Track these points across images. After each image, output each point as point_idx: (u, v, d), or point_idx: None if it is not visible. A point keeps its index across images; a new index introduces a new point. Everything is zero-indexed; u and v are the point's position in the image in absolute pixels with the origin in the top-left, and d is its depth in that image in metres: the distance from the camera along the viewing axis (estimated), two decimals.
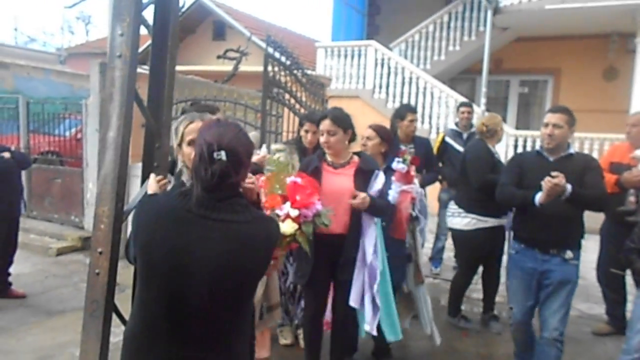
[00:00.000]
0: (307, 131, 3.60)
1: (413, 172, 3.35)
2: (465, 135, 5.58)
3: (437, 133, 7.86)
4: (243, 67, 10.16)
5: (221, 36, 14.87)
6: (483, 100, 9.75)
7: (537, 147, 3.24)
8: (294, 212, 1.92)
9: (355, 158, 3.00)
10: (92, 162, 6.65)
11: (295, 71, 4.92)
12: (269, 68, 4.35)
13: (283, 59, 4.59)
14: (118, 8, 2.20)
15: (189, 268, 1.50)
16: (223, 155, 1.47)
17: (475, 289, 5.32)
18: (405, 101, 10.30)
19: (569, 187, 2.82)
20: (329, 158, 3.00)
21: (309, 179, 2.57)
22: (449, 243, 4.83)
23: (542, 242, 3.06)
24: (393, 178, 3.24)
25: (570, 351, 3.98)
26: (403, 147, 3.63)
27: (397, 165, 3.24)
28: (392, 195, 3.18)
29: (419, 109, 10.13)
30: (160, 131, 2.44)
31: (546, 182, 2.81)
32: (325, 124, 2.90)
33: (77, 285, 5.31)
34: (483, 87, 9.83)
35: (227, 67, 10.71)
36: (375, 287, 2.92)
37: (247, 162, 1.56)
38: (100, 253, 2.20)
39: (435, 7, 11.69)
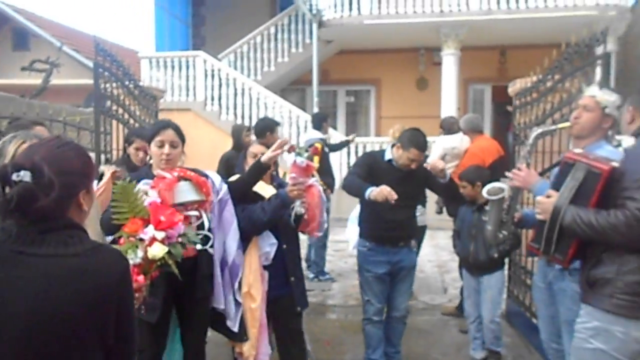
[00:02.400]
0: (137, 149, 3.38)
1: (314, 164, 3.07)
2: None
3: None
4: (54, 80, 9.05)
5: (24, 46, 13.10)
6: (315, 110, 10.06)
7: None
8: (160, 235, 1.75)
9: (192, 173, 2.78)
10: None
11: (127, 82, 4.42)
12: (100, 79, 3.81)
13: (114, 69, 4.08)
14: None
15: None
16: (24, 175, 1.20)
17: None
18: (239, 112, 10.18)
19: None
20: (155, 173, 2.61)
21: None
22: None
23: (393, 239, 3.42)
24: (289, 177, 2.93)
25: (423, 343, 4.21)
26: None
27: (297, 158, 2.90)
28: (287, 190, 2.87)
29: (254, 120, 10.05)
30: None
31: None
32: (169, 135, 2.58)
33: None
34: (315, 96, 10.18)
35: (34, 80, 9.44)
36: (237, 284, 2.82)
37: (65, 180, 1.26)
38: None
39: (261, 18, 11.79)
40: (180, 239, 1.83)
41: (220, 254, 2.76)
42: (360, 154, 9.83)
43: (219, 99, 10.32)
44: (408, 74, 12.46)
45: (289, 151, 2.96)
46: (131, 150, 3.49)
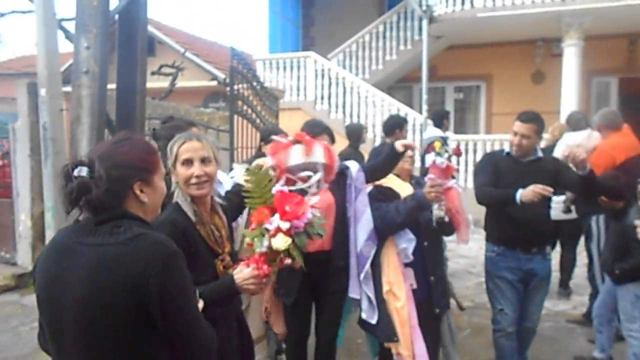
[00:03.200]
0: None
1: (454, 165, 2.89)
2: None
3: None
4: (178, 83, 9.78)
5: (151, 52, 14.27)
6: (424, 107, 9.92)
7: (477, 150, 3.34)
8: (285, 225, 1.72)
9: None
10: (24, 191, 6.06)
11: (254, 84, 4.70)
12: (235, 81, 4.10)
13: (245, 71, 4.36)
14: (82, 18, 1.93)
15: (60, 300, 1.32)
16: (81, 171, 1.32)
17: None
18: (348, 111, 10.33)
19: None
20: None
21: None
22: None
23: (524, 242, 3.11)
24: (427, 177, 2.78)
25: (548, 350, 4.03)
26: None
27: (437, 159, 2.76)
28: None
29: (362, 119, 10.19)
30: None
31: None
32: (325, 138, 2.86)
33: (16, 330, 4.76)
34: (424, 94, 10.01)
35: (161, 83, 10.28)
36: (362, 275, 2.76)
37: (116, 173, 1.34)
38: None
39: (370, 17, 11.84)
40: (306, 228, 1.78)
41: (355, 243, 2.80)
42: (470, 152, 9.58)
43: (329, 97, 10.55)
44: (523, 68, 11.84)
45: (428, 151, 2.84)
46: (268, 148, 3.59)
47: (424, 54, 10.04)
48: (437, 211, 2.77)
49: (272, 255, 1.72)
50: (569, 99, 9.67)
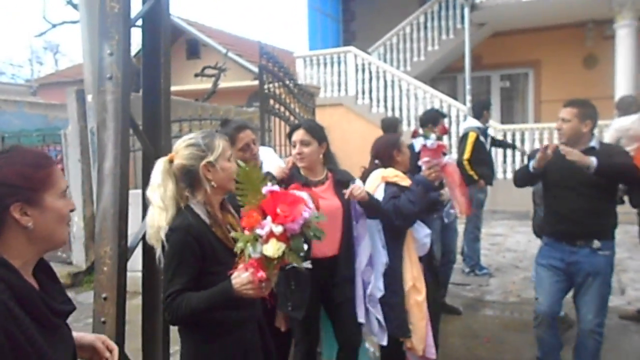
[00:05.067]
0: None
1: (443, 142, 3.08)
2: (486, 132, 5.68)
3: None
4: (221, 84, 9.97)
5: (195, 55, 14.65)
6: (468, 98, 9.67)
7: (525, 140, 3.23)
8: (278, 229, 1.58)
9: (330, 173, 2.81)
10: (76, 194, 6.35)
11: (287, 82, 4.72)
12: (264, 79, 4.12)
13: (275, 69, 4.39)
14: (105, 25, 1.99)
15: None
16: None
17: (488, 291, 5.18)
18: (389, 105, 10.22)
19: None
20: (302, 174, 2.76)
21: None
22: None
23: (568, 235, 3.02)
24: (422, 162, 2.97)
25: None
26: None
27: (427, 142, 2.96)
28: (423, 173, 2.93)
29: (404, 112, 10.05)
30: (160, 157, 2.23)
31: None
32: (299, 134, 2.70)
33: (72, 326, 4.99)
34: (467, 84, 9.76)
35: (205, 85, 10.50)
36: (367, 299, 2.78)
37: None
38: (105, 299, 1.97)
39: (410, 8, 11.64)
40: (303, 230, 1.64)
41: (361, 258, 2.76)
42: (517, 141, 9.25)
43: (370, 92, 10.46)
44: (573, 52, 11.35)
45: (413, 136, 3.08)
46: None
47: (467, 42, 9.78)
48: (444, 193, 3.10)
49: (267, 260, 1.62)
50: (624, 84, 9.18)
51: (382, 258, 2.82)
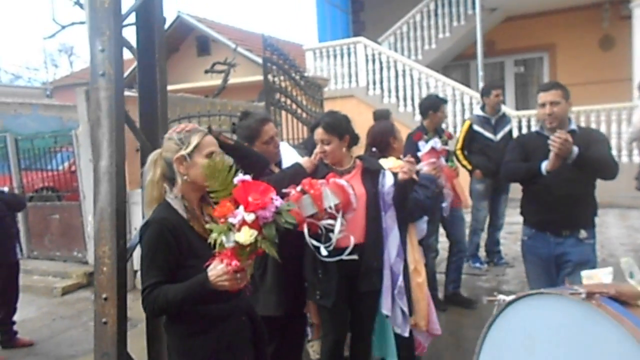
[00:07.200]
0: None
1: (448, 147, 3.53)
2: (493, 121, 5.17)
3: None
4: (231, 80, 9.93)
5: (206, 51, 14.63)
6: (481, 85, 9.49)
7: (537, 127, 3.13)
8: (250, 217, 1.61)
9: (358, 161, 2.78)
10: (89, 193, 6.38)
11: (293, 74, 4.66)
12: (269, 72, 4.07)
13: (281, 62, 4.32)
14: (95, 21, 1.95)
15: None
16: None
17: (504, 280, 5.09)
18: (401, 95, 10.09)
19: (575, 149, 2.67)
20: (327, 164, 2.74)
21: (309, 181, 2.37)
22: None
23: (553, 224, 2.91)
24: (428, 162, 3.23)
25: None
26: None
27: (436, 145, 3.35)
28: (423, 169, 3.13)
29: (416, 101, 9.90)
30: None
31: (554, 139, 2.64)
32: (318, 133, 2.67)
33: (86, 325, 5.03)
34: (480, 71, 9.61)
35: (215, 81, 10.48)
36: (396, 290, 2.72)
37: None
38: (106, 299, 1.94)
39: None
40: (275, 218, 1.66)
41: (390, 249, 2.71)
42: (533, 128, 9.05)
43: (381, 82, 10.34)
44: (589, 34, 11.07)
45: (417, 139, 3.49)
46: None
47: (478, 28, 9.61)
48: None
49: (240, 249, 1.62)
50: None
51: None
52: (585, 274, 1.78)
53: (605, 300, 1.54)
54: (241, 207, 1.63)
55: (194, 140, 1.84)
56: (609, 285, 1.61)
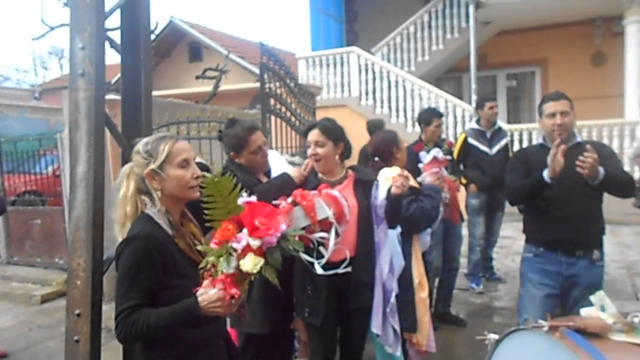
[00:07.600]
0: None
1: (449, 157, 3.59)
2: (489, 134, 5.04)
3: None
4: (223, 86, 9.82)
5: (197, 57, 14.53)
6: (473, 97, 9.47)
7: (533, 140, 3.06)
8: (255, 243, 1.49)
9: (351, 172, 2.65)
10: None
11: (288, 81, 4.56)
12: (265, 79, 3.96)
13: (277, 68, 4.22)
14: (76, 17, 1.83)
15: None
16: None
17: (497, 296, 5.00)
18: (393, 105, 10.04)
19: (601, 169, 2.48)
20: (320, 175, 2.62)
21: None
22: None
23: (565, 244, 2.69)
24: (430, 172, 3.27)
25: None
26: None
27: (438, 155, 3.36)
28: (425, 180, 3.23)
29: (409, 112, 9.87)
30: None
31: (583, 160, 2.43)
32: (314, 134, 2.56)
33: (65, 336, 4.85)
34: (472, 84, 9.58)
35: (206, 87, 10.36)
36: (389, 308, 2.62)
37: None
38: (79, 315, 1.81)
39: (414, 7, 11.47)
40: (280, 243, 1.54)
41: (382, 265, 2.60)
42: (525, 142, 9.04)
43: (373, 92, 10.29)
44: (581, 50, 11.13)
45: (418, 149, 3.43)
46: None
47: (472, 41, 9.60)
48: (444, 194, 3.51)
49: (241, 276, 1.50)
50: (634, 81, 8.97)
51: (401, 261, 2.78)
52: (584, 312, 1.82)
53: (569, 332, 1.63)
54: (245, 231, 1.50)
55: (163, 151, 1.67)
56: (577, 318, 1.70)
